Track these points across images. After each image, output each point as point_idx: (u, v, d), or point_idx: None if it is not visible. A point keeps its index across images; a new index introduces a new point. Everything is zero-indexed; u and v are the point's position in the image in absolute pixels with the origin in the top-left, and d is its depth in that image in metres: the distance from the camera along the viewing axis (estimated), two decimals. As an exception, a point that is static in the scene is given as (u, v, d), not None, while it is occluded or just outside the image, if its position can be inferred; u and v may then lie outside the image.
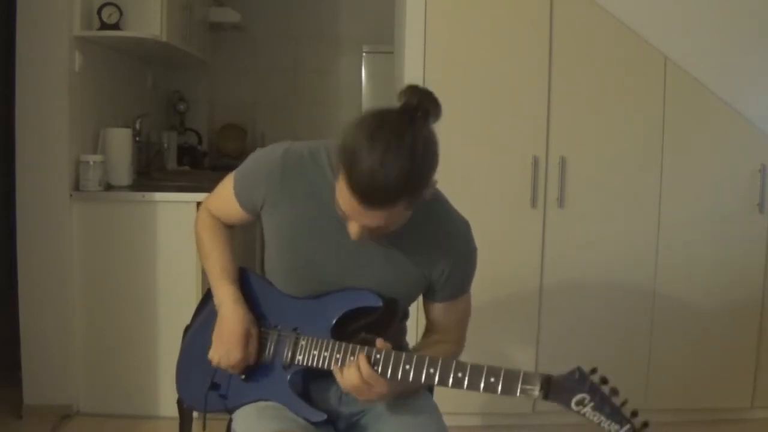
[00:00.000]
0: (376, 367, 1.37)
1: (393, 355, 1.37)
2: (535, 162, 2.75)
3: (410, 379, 1.36)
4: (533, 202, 2.77)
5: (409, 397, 1.56)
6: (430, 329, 1.62)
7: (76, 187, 2.83)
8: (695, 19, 2.77)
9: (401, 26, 2.87)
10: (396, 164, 1.23)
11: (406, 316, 1.63)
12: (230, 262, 1.60)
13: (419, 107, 1.30)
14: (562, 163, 2.77)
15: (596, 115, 2.78)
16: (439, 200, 1.53)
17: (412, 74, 2.69)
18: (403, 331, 1.65)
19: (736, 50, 2.78)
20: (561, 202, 2.78)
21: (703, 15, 2.77)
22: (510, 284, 2.79)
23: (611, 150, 2.79)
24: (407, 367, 1.36)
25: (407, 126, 1.27)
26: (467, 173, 2.73)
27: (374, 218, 1.29)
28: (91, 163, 2.83)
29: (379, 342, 1.39)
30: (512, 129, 2.76)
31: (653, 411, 2.97)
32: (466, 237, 1.53)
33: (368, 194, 1.24)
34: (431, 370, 1.34)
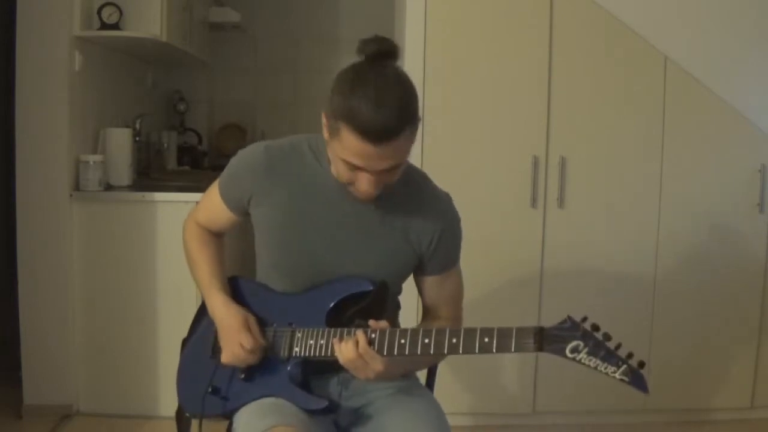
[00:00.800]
0: (372, 346, 1.39)
1: (388, 331, 1.39)
2: (535, 162, 2.75)
3: (406, 352, 1.37)
4: (533, 202, 2.77)
5: (410, 391, 1.57)
6: (426, 312, 1.65)
7: (76, 187, 2.83)
8: (695, 19, 2.77)
9: (401, 26, 2.87)
10: (391, 95, 1.32)
11: (398, 307, 1.65)
12: (218, 269, 1.63)
13: (383, 52, 1.38)
14: (562, 163, 2.77)
15: (596, 115, 2.78)
16: (421, 175, 1.59)
17: (412, 74, 2.67)
18: (395, 325, 1.66)
19: (736, 50, 2.78)
20: (561, 202, 2.78)
21: (703, 15, 2.77)
22: (510, 284, 2.79)
23: (611, 150, 2.79)
24: (402, 341, 1.38)
25: (381, 66, 1.37)
26: (467, 173, 2.73)
27: (386, 157, 1.33)
28: (91, 163, 2.83)
29: (373, 322, 1.41)
30: (512, 129, 2.76)
31: (653, 411, 2.98)
32: (450, 206, 1.58)
33: (379, 130, 1.30)
34: (426, 340, 1.37)
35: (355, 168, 1.36)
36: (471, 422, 2.85)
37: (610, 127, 2.78)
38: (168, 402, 2.82)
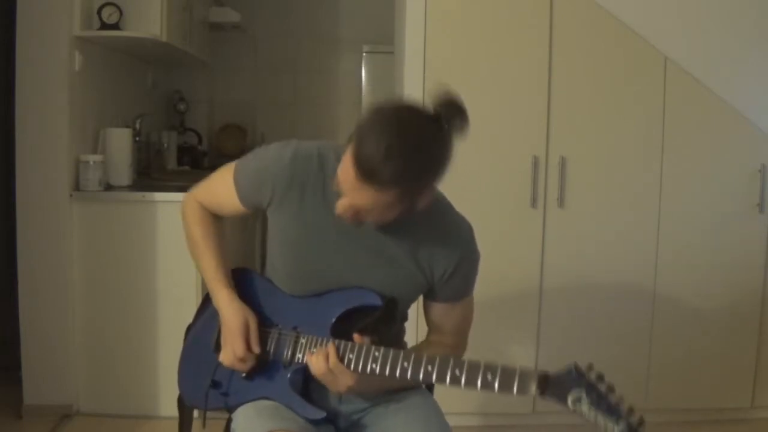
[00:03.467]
0: (374, 365, 1.37)
1: (391, 353, 1.37)
2: (535, 162, 2.75)
3: (408, 377, 1.36)
4: (533, 202, 2.77)
5: (410, 395, 1.57)
6: (429, 332, 1.62)
7: (76, 187, 2.83)
8: (695, 19, 2.77)
9: (401, 26, 2.87)
10: (404, 153, 1.26)
11: (405, 318, 1.64)
12: (224, 260, 1.60)
13: (450, 120, 1.32)
14: (562, 163, 2.77)
15: (596, 115, 2.78)
16: (443, 202, 1.54)
17: (412, 74, 2.69)
18: (401, 333, 1.65)
19: (737, 50, 2.78)
20: (561, 202, 2.78)
21: (703, 15, 2.77)
22: (510, 284, 2.79)
23: (611, 150, 2.79)
24: (406, 364, 1.36)
25: (433, 131, 1.31)
26: (467, 173, 2.73)
27: (364, 196, 1.31)
28: (91, 163, 2.83)
29: (356, 336, 1.40)
30: (512, 129, 2.76)
31: (653, 411, 2.98)
32: (470, 240, 1.55)
33: (367, 167, 1.27)
34: (429, 368, 1.35)
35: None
36: (471, 422, 2.85)
37: (610, 127, 2.78)
38: (168, 402, 2.82)
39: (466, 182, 2.72)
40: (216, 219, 1.65)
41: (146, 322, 2.84)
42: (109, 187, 2.94)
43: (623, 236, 2.82)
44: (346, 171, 1.31)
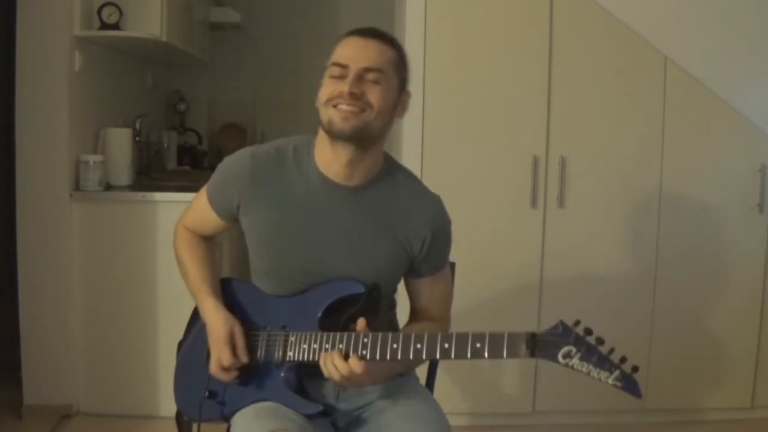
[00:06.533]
0: (364, 351, 1.38)
1: (380, 336, 1.39)
2: (535, 162, 2.75)
3: (399, 357, 1.37)
4: (533, 202, 2.77)
5: (408, 392, 1.57)
6: (414, 313, 1.64)
7: (76, 187, 2.83)
8: (695, 19, 2.77)
9: (401, 26, 2.87)
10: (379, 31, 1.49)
11: (393, 305, 1.65)
12: (208, 274, 1.63)
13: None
14: (562, 163, 2.77)
15: (596, 115, 2.78)
16: (411, 177, 1.60)
17: (411, 74, 2.68)
18: (393, 323, 1.66)
19: (736, 50, 2.78)
20: (561, 202, 2.78)
21: (703, 15, 2.77)
22: (510, 284, 2.79)
23: (611, 150, 2.79)
24: (395, 345, 1.37)
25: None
26: (467, 173, 2.73)
27: (369, 53, 1.44)
28: (91, 163, 2.83)
29: (360, 323, 1.40)
30: (512, 129, 2.76)
31: (653, 411, 2.98)
32: (441, 209, 1.59)
33: (365, 29, 1.47)
34: (418, 345, 1.36)
35: (340, 75, 1.44)
36: (471, 422, 2.85)
37: (610, 127, 2.78)
38: (168, 402, 2.80)
39: (466, 182, 2.72)
40: (203, 239, 1.70)
41: (146, 322, 2.84)
42: (109, 187, 2.94)
43: (623, 236, 2.82)
44: (344, 47, 1.48)
